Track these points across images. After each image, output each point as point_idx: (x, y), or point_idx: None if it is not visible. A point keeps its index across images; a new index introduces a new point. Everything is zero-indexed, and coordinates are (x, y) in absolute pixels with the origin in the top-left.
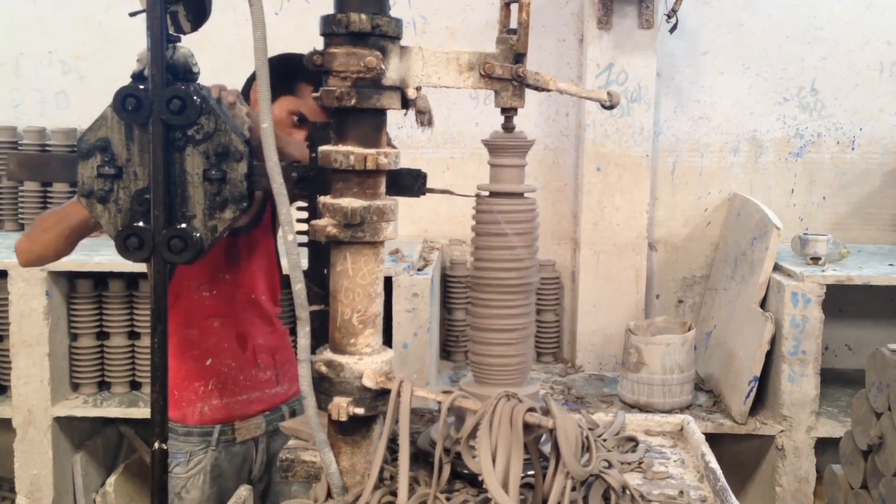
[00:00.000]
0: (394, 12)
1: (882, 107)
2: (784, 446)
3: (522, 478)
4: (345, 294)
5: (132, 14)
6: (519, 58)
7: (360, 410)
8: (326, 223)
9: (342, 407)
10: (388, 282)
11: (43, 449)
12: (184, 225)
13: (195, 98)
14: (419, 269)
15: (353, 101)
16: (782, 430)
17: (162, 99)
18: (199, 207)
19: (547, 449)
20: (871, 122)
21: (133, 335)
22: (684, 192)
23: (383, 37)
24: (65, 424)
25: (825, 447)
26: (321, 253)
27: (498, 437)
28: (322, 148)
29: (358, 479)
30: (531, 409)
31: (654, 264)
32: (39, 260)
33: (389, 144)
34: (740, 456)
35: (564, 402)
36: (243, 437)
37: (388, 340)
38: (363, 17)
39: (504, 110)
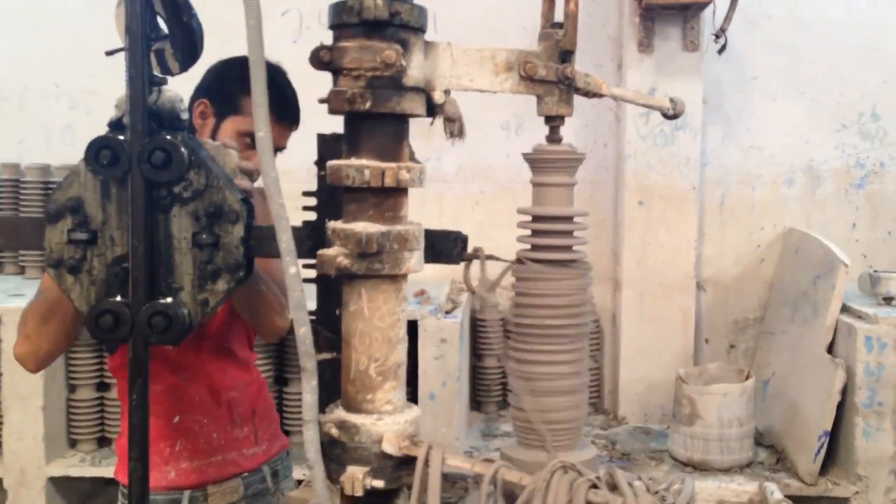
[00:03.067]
0: None
1: None
2: None
3: None
4: (359, 339)
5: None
6: (566, 56)
7: (379, 483)
8: (337, 253)
9: (357, 479)
10: (412, 326)
11: None
12: (169, 299)
13: (182, 149)
14: (447, 312)
15: (368, 105)
16: (857, 492)
17: (143, 151)
18: (188, 278)
19: None
20: None
21: None
22: (734, 227)
23: (404, 27)
24: (61, 485)
25: None
26: (332, 289)
27: None
28: (331, 163)
29: None
30: (595, 486)
31: (702, 306)
32: (50, 357)
33: (412, 159)
34: None
35: (609, 459)
36: None
37: (413, 391)
38: (379, 2)
39: (548, 119)
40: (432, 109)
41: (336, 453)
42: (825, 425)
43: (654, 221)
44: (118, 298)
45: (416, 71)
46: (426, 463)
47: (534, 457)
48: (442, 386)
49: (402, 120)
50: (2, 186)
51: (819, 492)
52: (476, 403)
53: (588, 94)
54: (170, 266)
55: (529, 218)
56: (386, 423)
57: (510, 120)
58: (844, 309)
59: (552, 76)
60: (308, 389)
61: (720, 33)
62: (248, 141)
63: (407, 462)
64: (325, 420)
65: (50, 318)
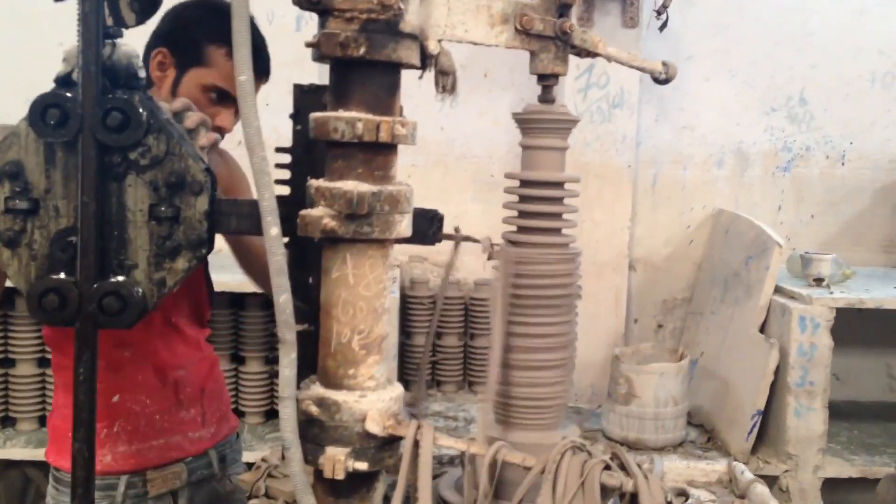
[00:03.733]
0: None
1: (873, 119)
2: (789, 488)
3: None
4: (342, 309)
5: None
6: (563, 10)
7: (362, 465)
8: (322, 213)
9: (339, 461)
10: (269, 302)
11: None
12: (121, 278)
13: (140, 110)
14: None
15: (363, 51)
16: (787, 470)
17: (96, 111)
18: (143, 255)
19: None
20: (862, 135)
21: (44, 362)
22: (666, 207)
23: None
24: None
25: (832, 488)
26: (305, 254)
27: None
28: (316, 115)
29: None
30: (608, 467)
31: (632, 286)
32: None
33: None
34: None
35: None
36: (158, 490)
37: (270, 370)
38: None
39: (542, 77)
40: (425, 61)
41: (313, 433)
42: (758, 405)
43: (590, 200)
44: (63, 276)
45: (412, 16)
46: (416, 443)
47: (514, 435)
48: None
49: (395, 69)
50: None
51: (751, 470)
52: (404, 382)
53: (583, 52)
54: (123, 241)
55: (517, 183)
56: (370, 400)
57: (444, 95)
58: (777, 290)
59: (549, 31)
60: (287, 363)
61: (662, 10)
62: (213, 96)
63: (390, 442)
64: (303, 397)
65: None
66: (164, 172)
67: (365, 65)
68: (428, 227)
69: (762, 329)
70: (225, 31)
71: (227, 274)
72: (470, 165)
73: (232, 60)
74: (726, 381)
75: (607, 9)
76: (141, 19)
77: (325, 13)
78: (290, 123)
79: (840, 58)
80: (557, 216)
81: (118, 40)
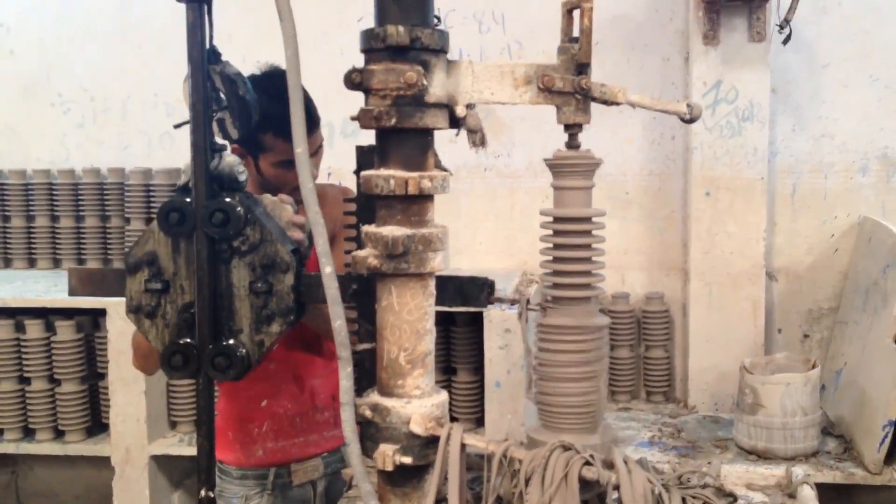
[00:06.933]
0: (488, 38)
1: None
2: None
3: None
4: (391, 331)
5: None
6: (582, 68)
7: (407, 459)
8: (368, 254)
9: (388, 455)
10: (478, 317)
11: (140, 488)
12: (231, 341)
13: (238, 209)
14: (511, 304)
15: (394, 121)
16: None
17: (205, 212)
18: (246, 321)
19: None
20: None
21: None
22: (806, 216)
23: (425, 50)
24: (162, 463)
25: None
26: (372, 286)
27: (550, 494)
28: (364, 173)
29: None
30: (588, 463)
31: (774, 296)
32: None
33: (438, 167)
34: None
35: (674, 448)
36: (300, 480)
37: (479, 380)
38: (401, 29)
39: (568, 127)
40: (456, 122)
41: (371, 432)
42: (889, 415)
43: (722, 212)
44: (187, 340)
45: (437, 89)
46: (448, 441)
47: (552, 437)
48: (507, 374)
49: (425, 133)
50: (109, 189)
51: (883, 481)
52: None
53: (605, 102)
54: (231, 311)
55: (551, 219)
56: (414, 406)
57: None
58: None
59: (569, 87)
60: (344, 375)
61: (784, 24)
62: (287, 165)
63: (433, 441)
64: (361, 403)
65: (146, 357)
66: (260, 256)
67: (398, 132)
68: (479, 292)
69: None
70: (265, 122)
71: None
72: (604, 184)
73: (279, 139)
74: (864, 391)
75: (733, 25)
76: (242, 133)
77: (366, 92)
78: None
79: None
80: (587, 247)
81: (224, 152)
